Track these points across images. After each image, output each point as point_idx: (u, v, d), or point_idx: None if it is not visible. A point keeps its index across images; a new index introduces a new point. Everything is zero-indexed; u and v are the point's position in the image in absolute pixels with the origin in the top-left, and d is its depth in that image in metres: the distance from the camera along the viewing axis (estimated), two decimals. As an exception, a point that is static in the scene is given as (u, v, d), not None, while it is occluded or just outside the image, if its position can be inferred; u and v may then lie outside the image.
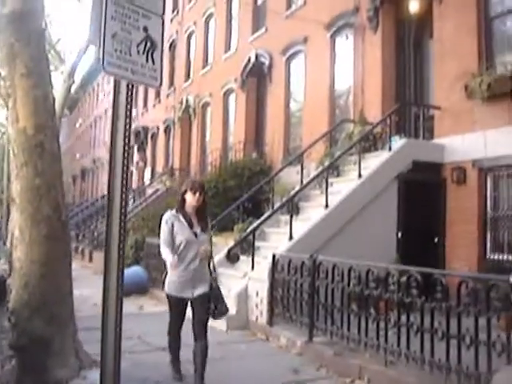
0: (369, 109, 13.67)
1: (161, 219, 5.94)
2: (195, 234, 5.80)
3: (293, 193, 11.47)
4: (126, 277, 4.05)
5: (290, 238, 9.92)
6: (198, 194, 5.83)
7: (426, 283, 5.98)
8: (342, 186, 10.96)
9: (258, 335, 8.63)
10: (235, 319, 8.95)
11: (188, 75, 26.68)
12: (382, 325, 6.51)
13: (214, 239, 12.48)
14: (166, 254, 5.75)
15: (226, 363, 6.93)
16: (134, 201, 24.35)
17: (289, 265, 8.41)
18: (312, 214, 10.68)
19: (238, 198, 14.01)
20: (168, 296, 5.90)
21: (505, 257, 10.19)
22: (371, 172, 10.82)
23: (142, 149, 32.23)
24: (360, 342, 6.82)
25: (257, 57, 19.28)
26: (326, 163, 12.24)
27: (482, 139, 10.75)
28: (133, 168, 30.73)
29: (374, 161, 11.22)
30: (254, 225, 11.07)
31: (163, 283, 5.92)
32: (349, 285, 7.14)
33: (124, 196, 4.01)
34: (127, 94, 4.10)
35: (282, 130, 17.94)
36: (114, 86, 4.13)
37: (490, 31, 11.16)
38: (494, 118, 10.56)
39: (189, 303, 5.84)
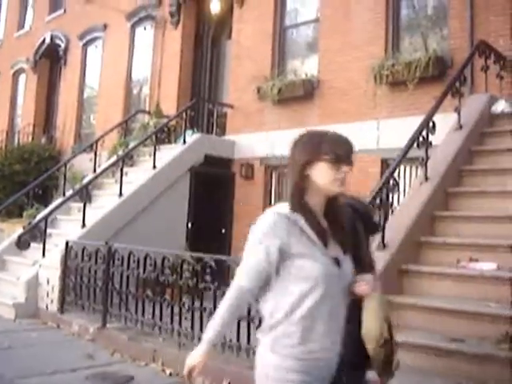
0: (165, 102, 13.95)
1: None
2: (337, 261, 2.57)
3: (86, 180, 11.38)
4: None
5: (83, 225, 9.85)
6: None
7: (218, 270, 6.40)
8: (137, 176, 11.12)
9: (49, 323, 8.51)
10: (24, 307, 8.72)
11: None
12: (176, 310, 6.78)
13: (1, 225, 12.13)
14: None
15: (14, 352, 6.79)
16: None
17: (83, 252, 8.39)
18: (105, 202, 10.69)
19: (24, 182, 13.56)
20: None
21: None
22: (165, 164, 11.11)
23: None
24: (154, 327, 7.05)
25: (52, 38, 18.57)
26: (120, 152, 12.32)
27: (269, 139, 11.55)
28: None
29: (168, 153, 11.52)
30: (46, 211, 10.80)
31: None
32: (144, 271, 7.35)
33: None
34: None
35: (74, 116, 17.53)
36: None
37: (284, 39, 12.09)
38: (281, 120, 11.43)
39: None
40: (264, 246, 2.49)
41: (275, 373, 2.52)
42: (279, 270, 2.50)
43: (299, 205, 2.56)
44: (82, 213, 10.01)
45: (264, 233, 2.52)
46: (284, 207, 2.59)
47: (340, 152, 2.63)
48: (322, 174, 2.58)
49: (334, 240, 2.58)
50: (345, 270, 2.56)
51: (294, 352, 2.49)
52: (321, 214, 2.61)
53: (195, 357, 2.60)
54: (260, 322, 5.56)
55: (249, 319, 5.80)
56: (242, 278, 2.57)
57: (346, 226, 2.68)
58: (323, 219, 2.61)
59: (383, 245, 5.76)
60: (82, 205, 10.19)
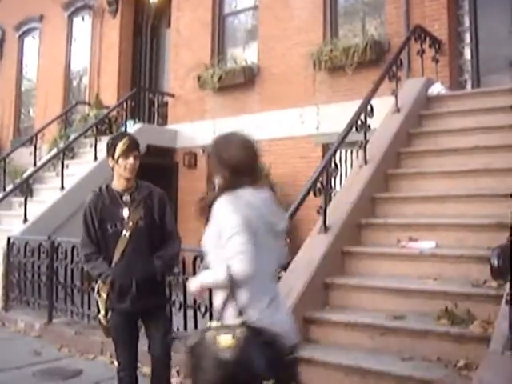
0: (105, 92, 13.78)
1: None
2: None
3: (27, 174, 11.15)
4: None
5: (25, 220, 9.68)
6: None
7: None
8: (78, 169, 10.98)
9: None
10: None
11: None
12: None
13: None
14: None
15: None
16: None
17: (25, 247, 8.26)
18: (47, 196, 10.53)
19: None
20: None
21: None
22: (107, 155, 10.95)
23: None
24: (101, 320, 7.02)
25: (-14, 30, 18.09)
26: (61, 145, 12.12)
27: (211, 127, 11.53)
28: None
29: (110, 144, 11.36)
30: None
31: None
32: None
33: None
34: None
35: (12, 110, 17.08)
36: None
37: (223, 27, 12.09)
38: (222, 108, 11.44)
39: None
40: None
41: None
42: None
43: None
44: (23, 207, 9.83)
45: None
46: None
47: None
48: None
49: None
50: None
51: None
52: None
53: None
54: (206, 309, 5.65)
55: (195, 307, 5.83)
56: None
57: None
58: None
59: (325, 228, 5.85)
60: (23, 199, 9.99)
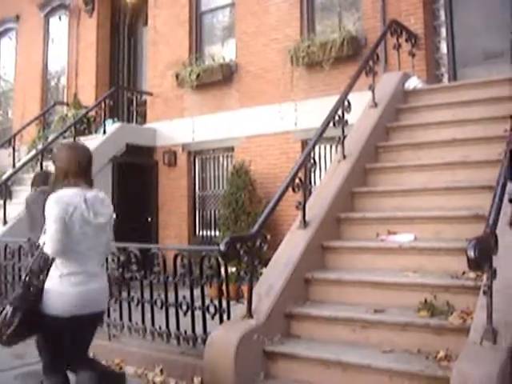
0: (83, 92, 13.73)
1: None
2: None
3: (5, 176, 11.06)
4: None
5: (5, 222, 9.63)
6: None
7: (144, 258, 6.36)
8: (58, 169, 10.89)
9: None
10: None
11: None
12: (103, 301, 6.73)
13: None
14: None
15: None
16: None
17: (5, 250, 8.19)
18: (27, 197, 10.44)
19: None
20: None
21: (212, 233, 11.13)
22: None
23: None
24: (82, 320, 6.98)
25: (-39, 31, 17.86)
26: (40, 146, 12.03)
27: (190, 125, 11.55)
28: None
29: (88, 144, 11.18)
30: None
31: None
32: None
33: None
34: None
35: (-11, 111, 17.03)
36: None
37: (201, 25, 12.06)
38: (201, 106, 11.43)
39: None
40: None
41: None
42: None
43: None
44: (2, 210, 9.75)
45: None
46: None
47: None
48: None
49: None
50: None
51: None
52: None
53: None
54: (187, 307, 5.64)
55: (177, 306, 5.82)
56: None
57: None
58: None
59: (304, 223, 5.86)
60: (1, 201, 9.91)
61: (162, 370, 5.63)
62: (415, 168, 6.66)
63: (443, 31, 9.21)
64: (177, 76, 11.68)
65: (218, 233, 10.44)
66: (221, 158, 11.50)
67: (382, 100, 7.62)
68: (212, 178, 11.60)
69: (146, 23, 13.25)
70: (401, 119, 7.69)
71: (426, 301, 4.83)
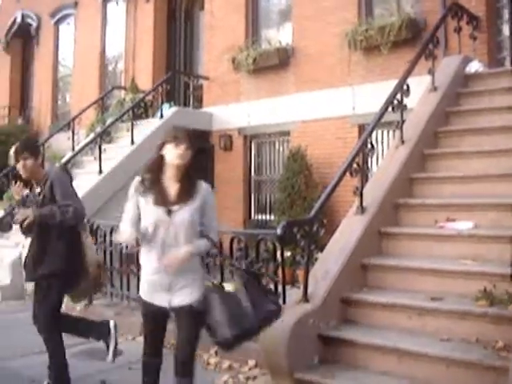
0: (140, 76, 13.88)
1: None
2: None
3: (65, 159, 11.34)
4: None
5: (63, 204, 9.82)
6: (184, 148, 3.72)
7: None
8: (115, 153, 11.10)
9: (35, 303, 8.53)
10: (10, 289, 8.75)
11: None
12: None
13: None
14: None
15: (1, 333, 6.82)
16: None
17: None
18: (86, 180, 10.66)
19: (3, 165, 13.42)
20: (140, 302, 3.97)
21: (267, 217, 11.15)
22: (143, 139, 11.08)
23: None
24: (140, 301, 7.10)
25: (23, 18, 18.27)
26: (98, 129, 12.28)
27: (246, 109, 11.57)
28: None
29: (145, 128, 11.49)
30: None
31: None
32: (127, 247, 7.34)
33: None
34: None
35: (50, 95, 17.36)
36: None
37: (257, 8, 12.01)
38: (257, 90, 11.43)
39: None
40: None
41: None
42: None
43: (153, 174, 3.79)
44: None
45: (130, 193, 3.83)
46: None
47: (178, 135, 3.76)
48: (169, 152, 3.72)
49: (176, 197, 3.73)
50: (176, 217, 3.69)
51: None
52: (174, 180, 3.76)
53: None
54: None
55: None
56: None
57: None
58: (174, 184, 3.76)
59: (362, 209, 5.82)
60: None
61: (216, 352, 5.69)
62: (476, 154, 6.52)
63: (506, 13, 8.94)
64: (233, 60, 11.69)
65: (272, 217, 10.46)
66: (277, 143, 11.49)
67: (442, 84, 7.47)
68: (268, 163, 11.61)
69: (202, 7, 13.28)
70: (461, 104, 7.52)
71: (485, 289, 4.74)
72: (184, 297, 3.70)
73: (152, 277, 3.74)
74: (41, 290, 4.79)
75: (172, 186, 3.74)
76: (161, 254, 3.65)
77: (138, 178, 3.82)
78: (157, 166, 3.77)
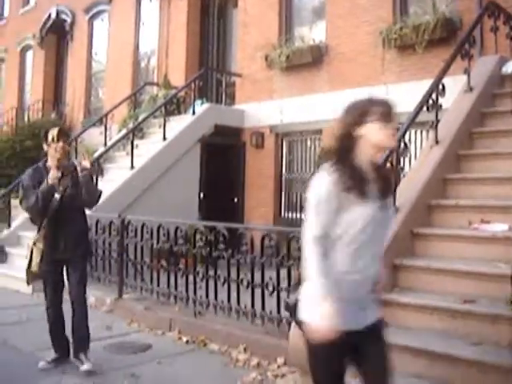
0: (173, 73, 13.94)
1: None
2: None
3: (97, 154, 11.44)
4: None
5: (96, 198, 9.92)
6: None
7: (231, 238, 6.45)
8: (147, 148, 11.18)
9: (66, 296, 8.59)
10: (40, 282, 8.81)
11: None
12: (190, 278, 6.84)
13: (15, 201, 12.18)
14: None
15: (33, 325, 6.84)
16: None
17: (96, 225, 8.46)
18: (118, 175, 10.76)
19: (35, 159, 13.59)
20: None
21: (298, 215, 11.12)
22: (175, 135, 11.15)
23: None
24: (170, 296, 7.14)
25: (58, 13, 18.49)
26: (130, 125, 12.37)
27: (278, 106, 11.55)
28: None
29: (177, 124, 11.56)
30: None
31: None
32: (158, 242, 7.40)
33: None
34: None
35: (83, 91, 17.57)
36: None
37: (290, 6, 11.99)
38: (290, 88, 11.40)
39: None
40: (324, 209, 2.81)
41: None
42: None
43: (346, 163, 2.87)
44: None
45: (321, 199, 2.82)
46: (328, 171, 2.87)
47: (386, 111, 2.90)
48: (374, 132, 2.84)
49: (378, 190, 2.90)
50: (384, 213, 2.91)
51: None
52: (367, 169, 2.90)
53: (327, 314, 2.75)
54: (273, 288, 5.67)
55: (263, 286, 5.87)
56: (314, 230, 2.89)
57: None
58: (369, 173, 2.90)
59: (395, 209, 5.77)
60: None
61: (245, 349, 5.71)
62: (511, 156, 6.42)
63: (544, 13, 8.78)
64: (266, 58, 11.68)
65: (303, 216, 10.41)
66: (309, 141, 11.44)
67: (478, 84, 7.37)
68: (299, 161, 11.57)
69: (235, 5, 13.28)
70: (497, 105, 7.42)
71: (518, 293, 4.67)
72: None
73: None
74: (76, 269, 5.35)
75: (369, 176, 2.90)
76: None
77: (325, 171, 2.90)
78: (350, 151, 2.90)
